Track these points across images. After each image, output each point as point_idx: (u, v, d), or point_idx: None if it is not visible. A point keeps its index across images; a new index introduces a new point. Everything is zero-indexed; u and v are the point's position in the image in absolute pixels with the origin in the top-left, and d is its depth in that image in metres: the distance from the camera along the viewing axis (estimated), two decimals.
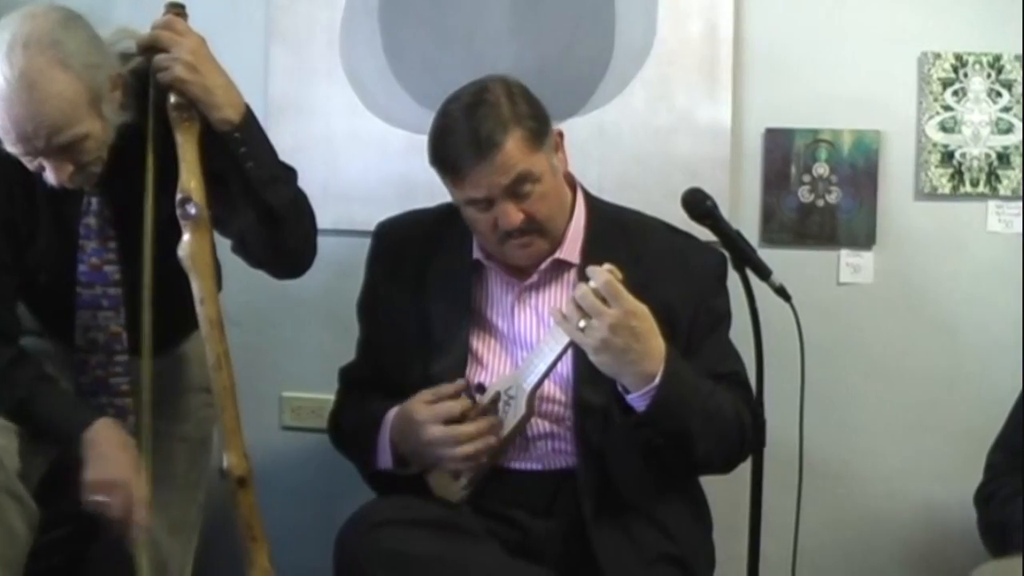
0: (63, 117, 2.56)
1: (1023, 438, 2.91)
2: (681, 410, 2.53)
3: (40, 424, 2.73)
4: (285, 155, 2.83)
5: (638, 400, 2.52)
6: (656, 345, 2.51)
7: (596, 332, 2.46)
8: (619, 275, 2.49)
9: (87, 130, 2.61)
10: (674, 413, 2.53)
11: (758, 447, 2.66)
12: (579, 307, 2.47)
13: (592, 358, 2.51)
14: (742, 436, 2.65)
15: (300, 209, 2.82)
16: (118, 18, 2.76)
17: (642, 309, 2.49)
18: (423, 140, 2.74)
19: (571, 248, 2.75)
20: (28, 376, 2.76)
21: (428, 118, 2.75)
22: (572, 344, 2.55)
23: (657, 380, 2.49)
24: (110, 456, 2.67)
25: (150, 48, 2.67)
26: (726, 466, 2.74)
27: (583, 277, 2.53)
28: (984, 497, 2.95)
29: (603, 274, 2.47)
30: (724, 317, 2.80)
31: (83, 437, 2.67)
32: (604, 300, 2.46)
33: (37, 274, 2.84)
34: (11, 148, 2.61)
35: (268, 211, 2.72)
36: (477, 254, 2.80)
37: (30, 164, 2.65)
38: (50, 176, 2.64)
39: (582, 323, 2.47)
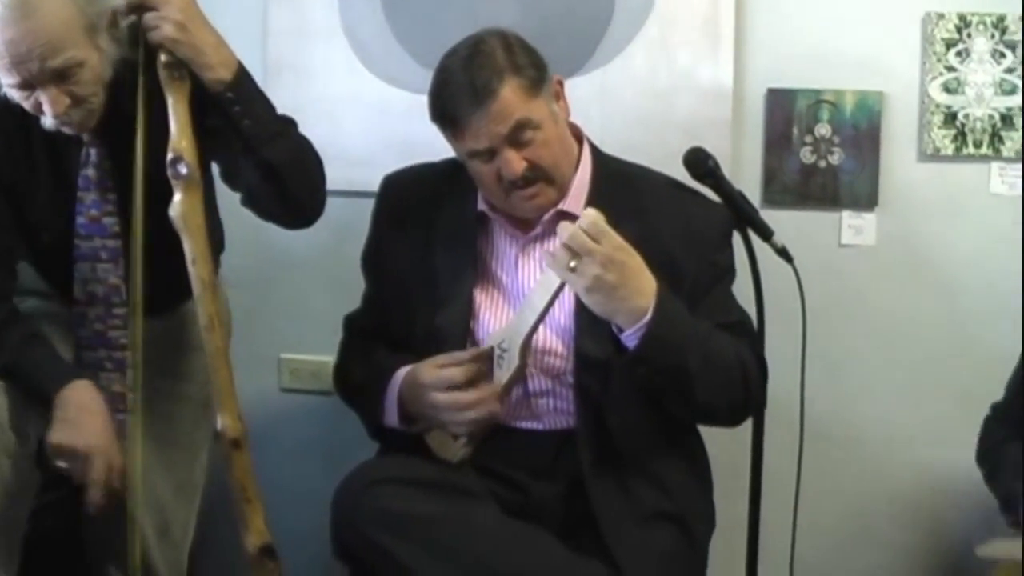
0: (57, 38, 2.54)
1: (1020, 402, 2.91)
2: (675, 346, 2.52)
3: (24, 384, 2.72)
4: None
5: (631, 338, 2.51)
6: (647, 281, 2.51)
7: (587, 269, 2.46)
8: (602, 216, 2.50)
9: (83, 56, 2.58)
10: (668, 348, 2.51)
11: (763, 400, 2.66)
12: (569, 249, 2.47)
13: (585, 299, 2.51)
14: (746, 383, 2.65)
15: (303, 160, 2.81)
16: None
17: (630, 248, 2.50)
18: (423, 100, 2.73)
19: (575, 200, 2.74)
20: (17, 335, 2.74)
21: (428, 77, 2.74)
22: (561, 290, 2.56)
23: (649, 314, 2.48)
24: (75, 421, 2.65)
25: (139, 7, 2.65)
26: (731, 414, 2.72)
27: None
28: (988, 437, 2.97)
29: (590, 214, 2.48)
30: (727, 272, 2.79)
31: (55, 397, 2.66)
32: (594, 240, 2.46)
33: (40, 231, 2.83)
34: (7, 80, 2.60)
35: (269, 167, 2.72)
36: (482, 206, 2.80)
37: (26, 102, 2.63)
38: (47, 113, 2.62)
39: (573, 263, 2.46)
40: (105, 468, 2.65)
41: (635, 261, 2.50)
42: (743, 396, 2.66)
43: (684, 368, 2.53)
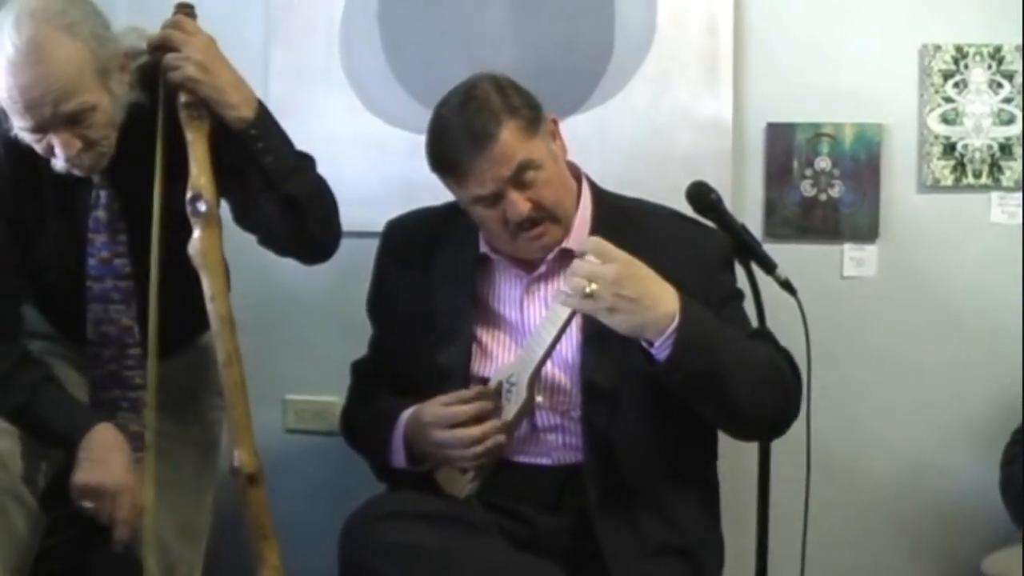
0: (70, 82, 2.55)
1: None
2: (708, 348, 2.48)
3: (40, 428, 2.72)
4: None
5: (663, 348, 2.47)
6: (665, 288, 2.49)
7: (605, 291, 2.45)
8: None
9: (95, 100, 2.60)
10: (702, 350, 2.47)
11: (799, 402, 2.66)
12: (576, 281, 2.47)
13: (609, 321, 2.48)
14: (783, 383, 2.63)
15: (322, 194, 2.84)
16: (118, 20, 2.75)
17: (639, 261, 2.49)
18: (423, 140, 2.74)
19: (578, 237, 2.74)
20: (30, 379, 2.74)
21: (428, 117, 2.74)
22: (569, 323, 2.57)
23: (677, 317, 2.46)
24: (100, 460, 2.66)
25: (160, 47, 2.68)
26: (777, 417, 2.66)
27: None
28: (1009, 459, 2.97)
29: (590, 240, 2.50)
30: (736, 293, 2.79)
31: (81, 440, 2.67)
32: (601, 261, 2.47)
33: (47, 272, 2.84)
34: (19, 123, 2.61)
35: (290, 202, 2.74)
36: (484, 248, 2.80)
37: (39, 145, 2.64)
38: (59, 156, 2.63)
39: (588, 289, 2.46)
40: (131, 505, 2.66)
41: (647, 271, 2.49)
42: (783, 397, 2.63)
43: (720, 369, 2.50)
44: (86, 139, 2.63)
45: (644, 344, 2.51)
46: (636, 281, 2.47)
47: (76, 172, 2.69)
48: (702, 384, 2.52)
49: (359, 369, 3.01)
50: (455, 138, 2.64)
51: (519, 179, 2.63)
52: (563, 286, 2.53)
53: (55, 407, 2.73)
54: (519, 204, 2.63)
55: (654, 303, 2.47)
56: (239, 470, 2.63)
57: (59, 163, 2.65)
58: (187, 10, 2.75)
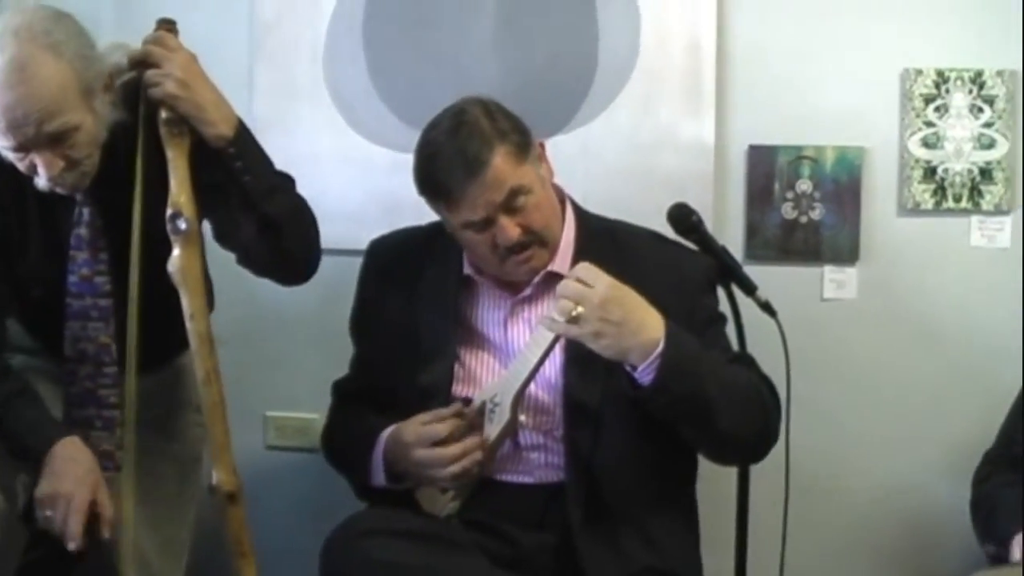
0: (54, 102, 2.55)
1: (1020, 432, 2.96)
2: (692, 372, 2.51)
3: (10, 441, 2.71)
4: None
5: (647, 372, 2.49)
6: (650, 312, 2.51)
7: (590, 315, 2.47)
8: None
9: (78, 120, 2.60)
10: (685, 374, 2.50)
11: (778, 427, 2.69)
12: (563, 303, 2.49)
13: (595, 346, 2.51)
14: (764, 408, 2.66)
15: (300, 215, 2.83)
16: (105, 36, 2.75)
17: (626, 286, 2.51)
18: (407, 158, 2.76)
19: (562, 260, 2.76)
20: (6, 391, 2.73)
21: (412, 136, 2.76)
22: (555, 345, 2.58)
23: (661, 343, 2.48)
24: (58, 471, 2.64)
25: (141, 63, 2.67)
26: (757, 441, 2.70)
27: None
28: (979, 479, 2.98)
29: (579, 266, 2.53)
30: (718, 316, 2.81)
31: (45, 455, 2.66)
32: (587, 285, 2.49)
33: (28, 287, 2.83)
34: (1, 143, 2.60)
35: (269, 221, 2.73)
36: (468, 269, 2.81)
37: (21, 163, 2.63)
38: (41, 175, 2.63)
39: (574, 312, 2.47)
40: (81, 515, 2.61)
41: (633, 296, 2.51)
42: (763, 421, 2.67)
43: (703, 394, 2.52)
44: (69, 159, 2.62)
45: (628, 368, 2.52)
46: (621, 306, 2.48)
47: (59, 190, 2.68)
48: (686, 408, 2.54)
49: (340, 388, 3.01)
50: (447, 164, 2.64)
51: (510, 204, 2.64)
52: (547, 311, 2.55)
53: (26, 423, 2.72)
54: (509, 229, 2.64)
55: (639, 328, 2.49)
56: (218, 488, 2.62)
57: (42, 181, 2.64)
58: (169, 26, 2.74)
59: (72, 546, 2.62)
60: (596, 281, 2.49)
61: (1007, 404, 3.03)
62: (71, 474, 2.65)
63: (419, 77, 3.52)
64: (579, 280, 2.50)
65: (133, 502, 2.69)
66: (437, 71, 3.50)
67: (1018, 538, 2.70)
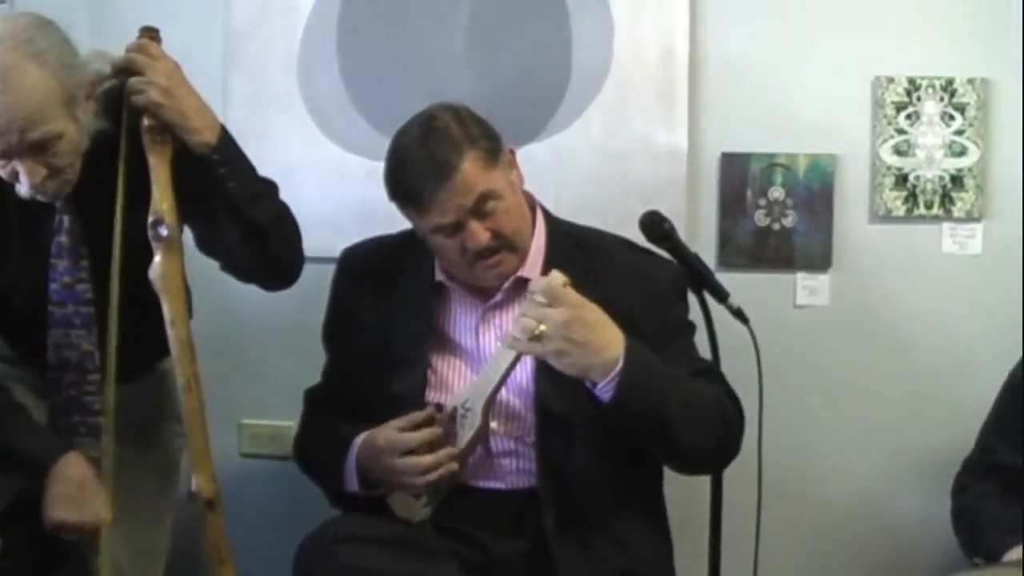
0: (37, 111, 2.55)
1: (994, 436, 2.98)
2: (651, 390, 2.53)
3: (6, 453, 2.71)
4: None
5: (606, 390, 2.51)
6: (612, 332, 2.53)
7: (553, 334, 2.49)
8: (563, 279, 2.54)
9: (61, 129, 2.59)
10: (644, 393, 2.52)
11: (740, 440, 2.71)
12: (526, 321, 2.51)
13: (556, 363, 2.53)
14: (726, 423, 2.68)
15: (284, 220, 2.84)
16: (79, 43, 2.75)
17: (589, 303, 2.53)
18: (381, 166, 2.76)
19: (532, 266, 2.77)
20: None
21: (386, 144, 2.76)
22: (520, 356, 2.60)
23: (620, 363, 2.50)
24: (78, 499, 2.66)
25: (124, 71, 2.68)
26: (718, 454, 2.72)
27: None
28: (960, 487, 2.99)
29: (541, 281, 2.55)
30: (686, 325, 2.83)
31: (50, 471, 2.66)
32: (549, 305, 2.50)
33: (9, 296, 2.83)
34: None
35: (253, 227, 2.74)
36: (440, 276, 2.82)
37: (3, 171, 2.63)
38: (23, 182, 2.62)
39: (537, 331, 2.49)
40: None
41: (596, 315, 2.53)
42: (725, 435, 2.69)
43: (662, 412, 2.54)
44: (51, 166, 2.62)
45: (589, 385, 2.54)
46: (584, 326, 2.50)
47: (40, 198, 2.68)
48: (645, 426, 2.57)
49: (312, 396, 3.02)
50: (417, 169, 2.65)
51: (479, 209, 2.65)
52: (512, 330, 2.56)
53: (23, 434, 2.72)
54: (479, 234, 2.65)
55: (601, 348, 2.51)
56: (197, 495, 2.63)
57: (23, 189, 2.64)
58: (152, 34, 2.74)
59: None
60: (560, 300, 2.50)
61: (979, 410, 3.04)
62: (91, 504, 2.67)
63: (394, 86, 3.53)
64: (542, 299, 2.51)
65: (112, 511, 2.69)
66: (412, 80, 3.51)
67: (1009, 555, 2.71)
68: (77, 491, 2.67)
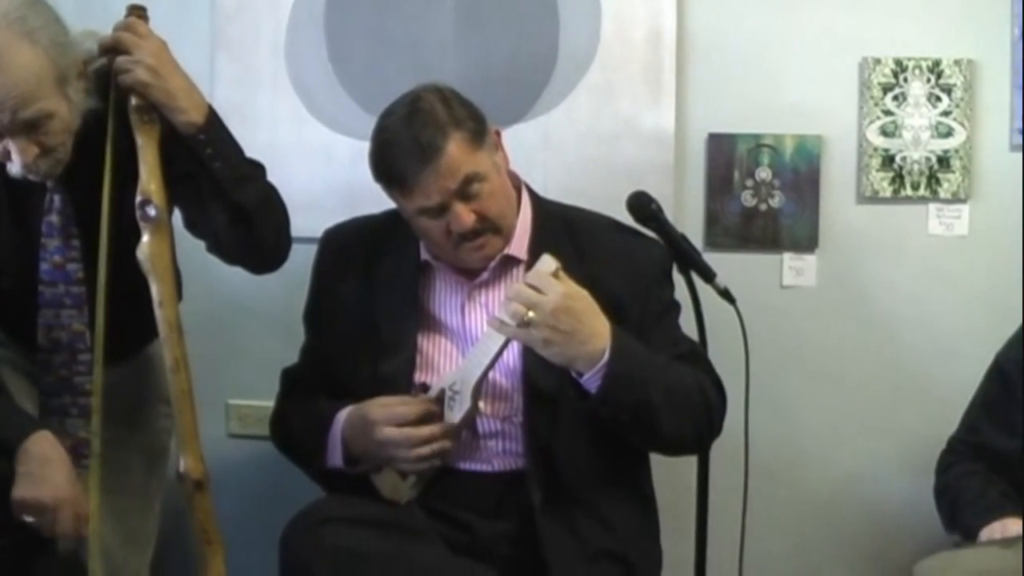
0: (29, 90, 2.54)
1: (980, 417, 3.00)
2: (637, 381, 2.54)
3: None
4: None
5: (593, 380, 2.53)
6: (600, 322, 2.54)
7: (540, 322, 2.50)
8: (555, 265, 2.55)
9: (53, 108, 2.59)
10: (630, 384, 2.53)
11: (722, 423, 2.72)
12: (515, 307, 2.51)
13: (542, 352, 2.54)
14: (708, 408, 2.69)
15: (271, 203, 2.83)
16: (66, 21, 2.74)
17: (579, 291, 2.54)
18: (368, 147, 2.75)
19: (519, 244, 2.77)
20: None
21: (373, 125, 2.76)
22: (509, 340, 2.59)
23: (606, 354, 2.51)
24: (40, 476, 2.63)
25: (111, 50, 2.66)
26: (698, 440, 2.74)
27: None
28: (944, 466, 3.01)
29: (532, 272, 2.55)
30: (672, 306, 2.83)
31: (17, 450, 2.64)
32: (540, 292, 2.51)
33: (0, 276, 2.82)
34: None
35: (239, 209, 2.72)
36: (425, 256, 2.82)
37: None
38: (15, 161, 2.61)
39: (525, 317, 2.49)
40: (73, 519, 2.64)
41: (584, 304, 2.54)
42: (707, 421, 2.70)
43: (648, 402, 2.55)
44: (43, 145, 2.61)
45: (575, 375, 2.55)
46: (572, 315, 2.51)
47: (32, 177, 2.67)
48: (630, 417, 2.57)
49: (291, 376, 3.01)
50: (402, 151, 2.64)
51: (464, 191, 2.64)
52: (500, 313, 2.56)
53: None
54: (463, 216, 2.64)
55: (587, 338, 2.52)
56: (186, 476, 2.62)
57: (15, 168, 2.63)
58: (140, 12, 2.73)
59: (67, 550, 2.66)
60: (549, 289, 2.51)
61: (965, 391, 3.05)
62: (53, 479, 2.64)
63: (381, 66, 3.52)
64: (531, 286, 2.51)
65: (100, 493, 2.68)
66: (398, 60, 3.51)
67: (984, 532, 2.73)
68: (38, 468, 2.63)
